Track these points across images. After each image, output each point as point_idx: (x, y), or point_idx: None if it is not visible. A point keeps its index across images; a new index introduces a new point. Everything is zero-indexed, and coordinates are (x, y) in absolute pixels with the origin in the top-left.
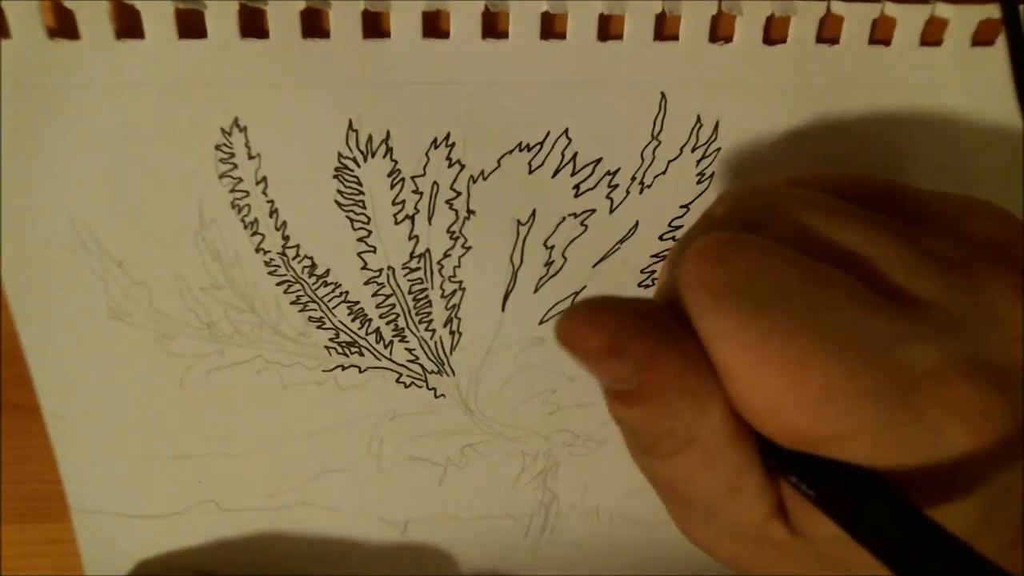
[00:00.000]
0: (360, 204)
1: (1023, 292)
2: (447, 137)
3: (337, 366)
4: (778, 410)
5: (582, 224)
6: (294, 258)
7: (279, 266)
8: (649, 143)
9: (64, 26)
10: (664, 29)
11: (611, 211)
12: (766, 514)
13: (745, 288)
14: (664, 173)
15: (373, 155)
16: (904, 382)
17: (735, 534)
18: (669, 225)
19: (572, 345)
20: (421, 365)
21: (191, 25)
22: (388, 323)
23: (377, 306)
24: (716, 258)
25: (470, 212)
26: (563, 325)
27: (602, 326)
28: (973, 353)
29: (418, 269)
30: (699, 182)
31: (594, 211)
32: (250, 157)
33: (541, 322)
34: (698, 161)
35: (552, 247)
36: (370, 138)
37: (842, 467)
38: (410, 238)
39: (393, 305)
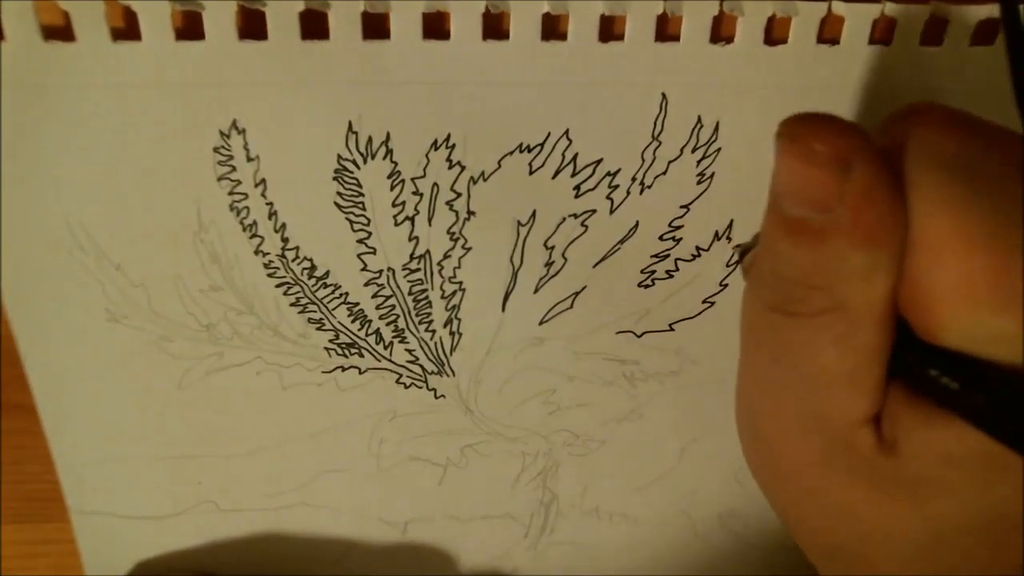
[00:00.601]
0: (360, 205)
1: None
2: (447, 138)
3: (337, 367)
4: (967, 297)
5: (582, 225)
6: (294, 260)
7: (278, 268)
8: (650, 144)
9: (60, 28)
10: (665, 30)
11: (611, 212)
12: (867, 416)
13: (976, 164)
14: (664, 174)
15: (373, 156)
16: None
17: (818, 426)
18: (669, 225)
19: (799, 144)
20: (421, 366)
21: (189, 26)
22: (388, 324)
23: (377, 307)
24: (955, 125)
25: (470, 213)
26: (795, 123)
27: (838, 135)
28: None
29: (418, 270)
30: (699, 183)
31: (594, 212)
32: (249, 159)
33: (541, 322)
34: (698, 162)
35: (552, 248)
36: (370, 139)
37: (989, 368)
38: (410, 239)
39: (393, 306)
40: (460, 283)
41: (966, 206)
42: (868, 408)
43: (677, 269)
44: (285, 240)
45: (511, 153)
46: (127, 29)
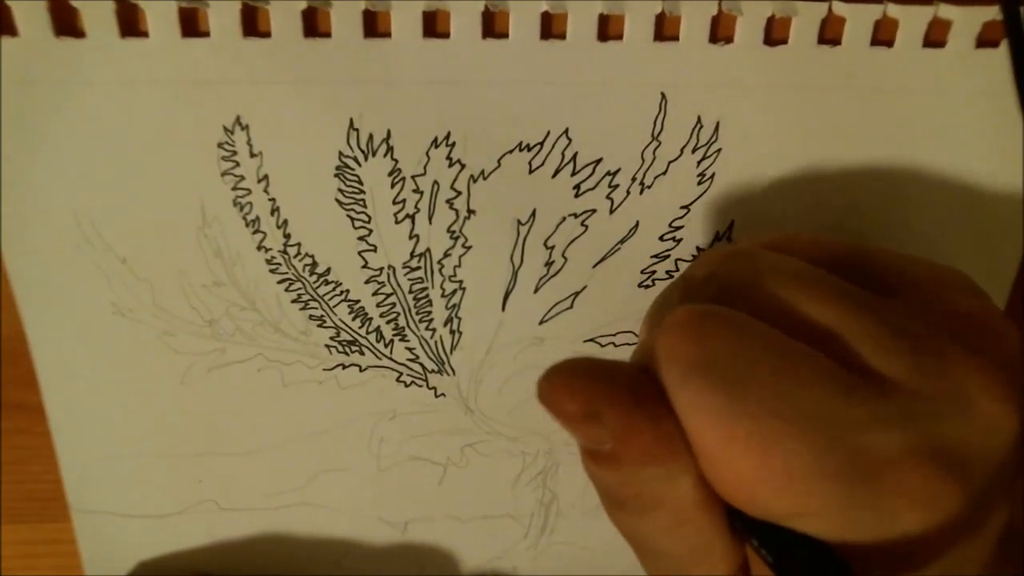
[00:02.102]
0: (361, 203)
1: (991, 371)
2: (447, 136)
3: (338, 365)
4: (744, 485)
5: (582, 224)
6: (295, 256)
7: (280, 264)
8: (649, 144)
9: (70, 24)
10: (664, 29)
11: (611, 211)
12: (729, 574)
13: (718, 365)
14: (664, 174)
15: (374, 154)
16: (865, 466)
17: None
18: (669, 226)
19: (550, 406)
20: (421, 364)
21: (194, 24)
22: (388, 322)
23: (377, 305)
24: (692, 332)
25: (470, 211)
26: (543, 386)
27: (579, 391)
28: (934, 438)
29: (418, 268)
30: (699, 183)
31: (594, 211)
32: (252, 155)
33: (541, 322)
34: (699, 162)
35: (552, 247)
36: (371, 137)
37: (802, 539)
38: (410, 237)
39: (393, 304)
40: (460, 282)
41: (717, 409)
42: (730, 568)
43: (677, 270)
44: (287, 236)
45: (511, 152)
46: (134, 26)
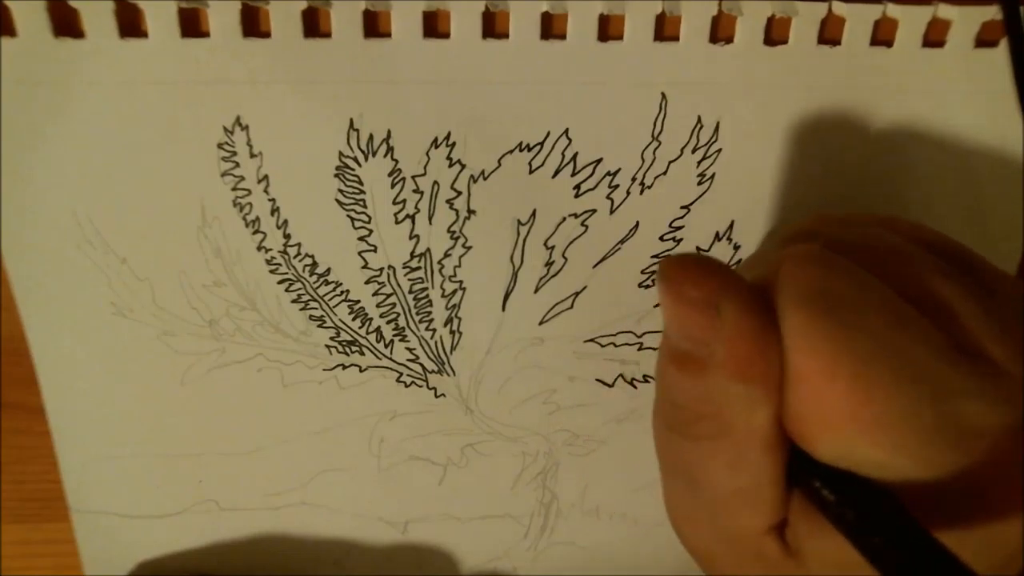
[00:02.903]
0: (361, 203)
1: None
2: (448, 136)
3: (338, 365)
4: (833, 423)
5: (582, 224)
6: (295, 256)
7: (280, 264)
8: (649, 144)
9: (69, 24)
10: (664, 30)
11: (611, 211)
12: (768, 527)
13: (838, 300)
14: (665, 174)
15: (374, 154)
16: (960, 431)
17: (727, 537)
18: (670, 226)
19: (674, 286)
20: (421, 364)
21: (194, 24)
22: (389, 322)
23: (378, 305)
24: (819, 264)
25: (471, 212)
26: (670, 266)
27: (708, 278)
28: None
29: (419, 268)
30: (700, 183)
31: (594, 211)
32: (252, 155)
33: (541, 322)
34: (699, 162)
35: (552, 247)
36: (371, 137)
37: (866, 485)
38: (411, 237)
39: (394, 304)
40: (460, 282)
41: (829, 341)
42: (768, 521)
43: None
44: (287, 236)
45: (511, 152)
46: (134, 27)
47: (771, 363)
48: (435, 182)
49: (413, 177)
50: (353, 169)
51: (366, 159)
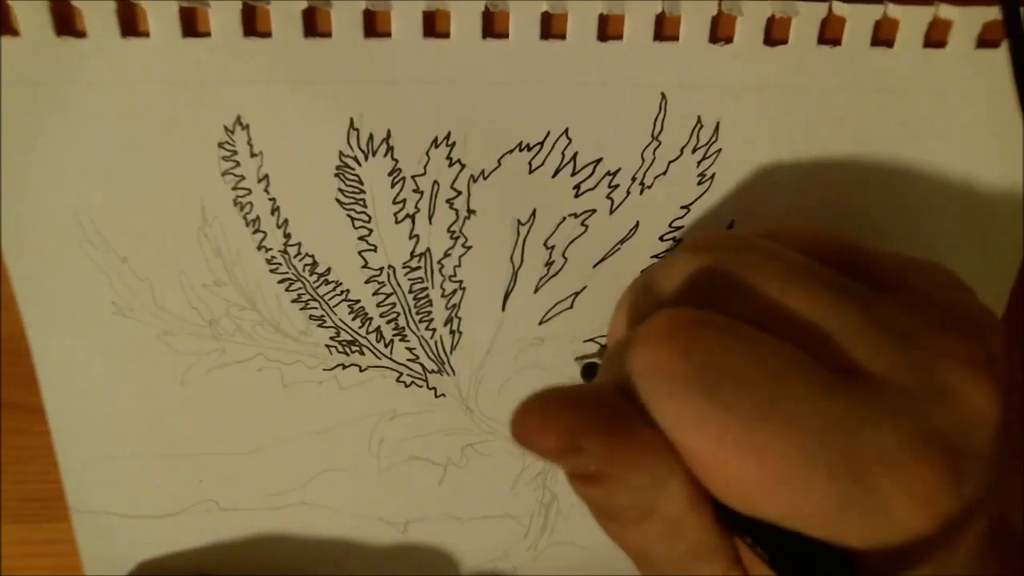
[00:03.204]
0: (361, 203)
1: (976, 365)
2: (447, 136)
3: (338, 365)
4: (737, 490)
5: (582, 224)
6: (295, 256)
7: (280, 264)
8: (649, 144)
9: (70, 24)
10: (664, 29)
11: (611, 211)
12: (726, 569)
13: (704, 377)
14: (665, 174)
15: (374, 154)
16: (858, 464)
17: None
18: (670, 226)
19: (528, 447)
20: (421, 364)
21: (194, 24)
22: (389, 322)
23: (378, 305)
24: (674, 345)
25: (470, 211)
26: (517, 425)
27: (555, 427)
28: (923, 432)
29: (418, 268)
30: (700, 183)
31: (594, 211)
32: (252, 155)
33: (541, 322)
34: (699, 162)
35: (552, 247)
36: (371, 137)
37: (794, 534)
38: (411, 237)
39: (394, 304)
40: (460, 282)
41: (705, 422)
42: (724, 567)
43: None
44: (287, 236)
45: (511, 152)
46: (135, 26)
47: (655, 447)
48: (435, 182)
49: (413, 177)
50: (353, 169)
51: (366, 159)
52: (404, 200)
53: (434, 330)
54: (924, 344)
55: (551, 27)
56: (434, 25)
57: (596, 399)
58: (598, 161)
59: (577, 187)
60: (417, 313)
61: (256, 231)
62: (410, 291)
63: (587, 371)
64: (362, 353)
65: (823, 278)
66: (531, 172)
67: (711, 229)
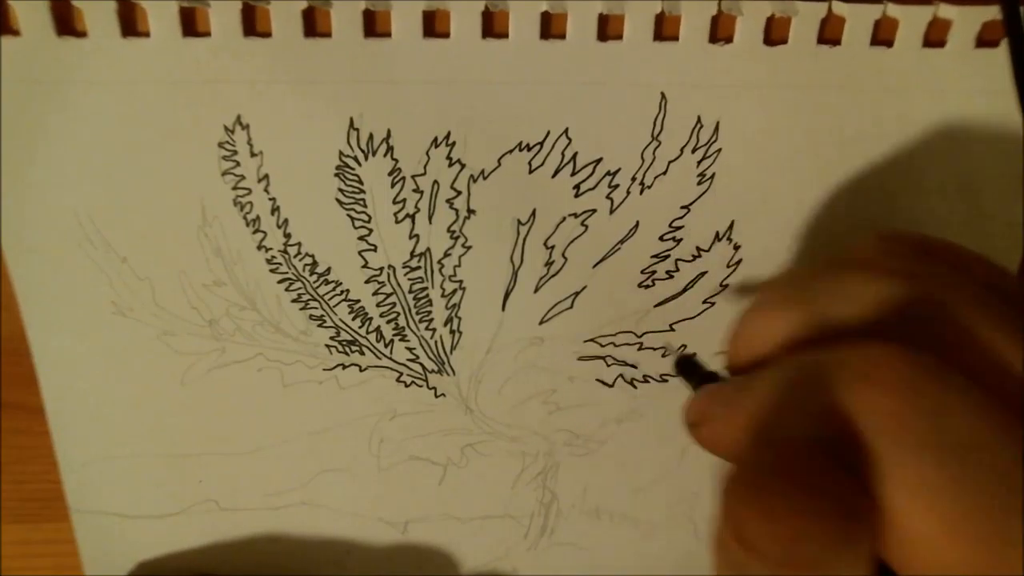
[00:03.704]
0: (361, 202)
1: None
2: (447, 136)
3: (338, 365)
4: (932, 565)
5: (582, 224)
6: (295, 256)
7: (280, 264)
8: (649, 143)
9: (71, 24)
10: (664, 29)
11: (611, 211)
12: None
13: (950, 444)
14: (665, 174)
15: (374, 154)
16: None
17: None
18: (670, 226)
19: (750, 550)
20: (421, 364)
21: (194, 24)
22: (389, 322)
23: (378, 305)
24: (907, 391)
25: (470, 211)
26: (734, 520)
27: (783, 535)
28: None
29: (418, 268)
30: (700, 183)
31: (594, 211)
32: (252, 155)
33: (541, 322)
34: (699, 162)
35: (552, 247)
36: (371, 137)
37: None
38: (410, 237)
39: (394, 304)
40: (460, 282)
41: (947, 499)
42: None
43: (677, 270)
44: (287, 236)
45: (511, 151)
46: (136, 26)
47: (866, 517)
48: (435, 181)
49: (413, 176)
50: (353, 168)
51: (366, 158)
52: (404, 200)
53: (434, 330)
54: None
55: (551, 27)
56: (434, 25)
57: (819, 488)
58: (598, 161)
59: (577, 187)
60: (417, 313)
61: (256, 231)
62: (410, 291)
63: (684, 368)
64: (362, 353)
65: (1004, 316)
66: (531, 172)
67: (871, 235)
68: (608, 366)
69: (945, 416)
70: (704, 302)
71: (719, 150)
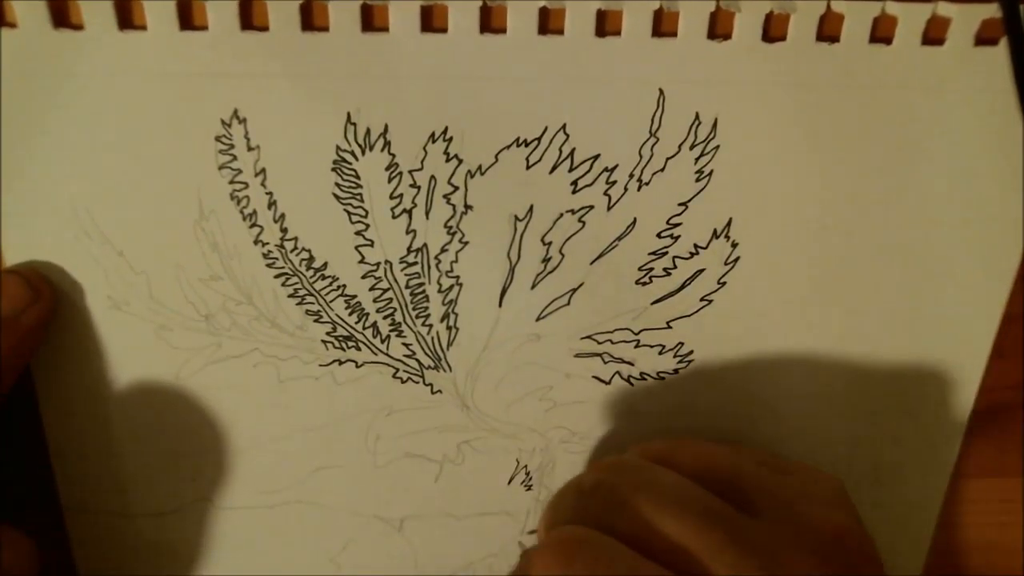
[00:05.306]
0: (358, 197)
1: None
2: (445, 131)
3: (334, 360)
4: None
5: (580, 220)
6: (292, 250)
7: (277, 258)
8: (647, 140)
9: (68, 16)
10: (662, 25)
11: (609, 208)
12: None
13: None
14: (662, 170)
15: (371, 148)
16: None
17: None
18: (667, 223)
19: None
20: (418, 360)
21: (192, 17)
22: (385, 317)
23: (374, 300)
24: (560, 556)
25: (467, 207)
26: None
27: None
28: None
29: (415, 264)
30: (697, 180)
31: (592, 208)
32: (249, 149)
33: (538, 319)
34: (696, 159)
35: (550, 243)
36: (368, 131)
37: None
38: (407, 232)
39: (390, 299)
40: (457, 277)
41: None
42: None
43: (675, 267)
44: (284, 230)
45: (508, 147)
46: (132, 19)
47: None
48: (432, 177)
49: (410, 171)
50: (350, 163)
51: (363, 153)
52: (401, 195)
53: (431, 326)
54: (783, 562)
55: (549, 22)
56: (432, 20)
57: None
58: (596, 157)
59: (574, 183)
60: (414, 309)
61: (253, 225)
62: (407, 287)
63: None
64: (358, 349)
65: (696, 503)
66: (528, 168)
67: (603, 459)
68: (605, 363)
69: (580, 569)
70: (701, 299)
71: (717, 147)
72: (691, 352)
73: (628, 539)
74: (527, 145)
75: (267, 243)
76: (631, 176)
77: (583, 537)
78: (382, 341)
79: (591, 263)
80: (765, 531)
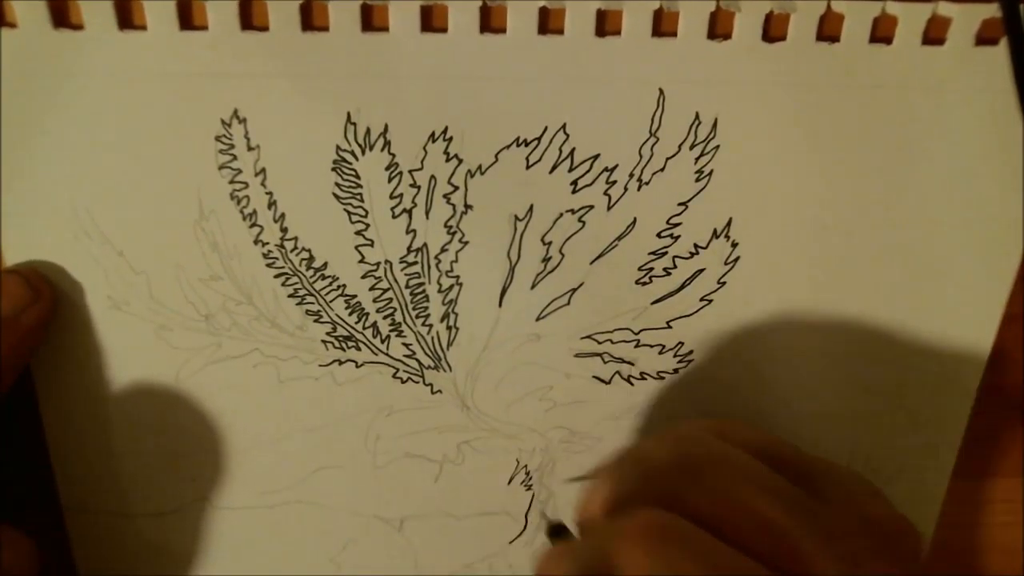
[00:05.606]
0: (358, 197)
1: None
2: (445, 131)
3: (334, 360)
4: None
5: (580, 220)
6: (292, 250)
7: (277, 258)
8: (647, 140)
9: (68, 16)
10: (662, 25)
11: (609, 208)
12: None
13: None
14: (662, 170)
15: (371, 148)
16: None
17: None
18: (667, 223)
19: None
20: (418, 360)
21: (192, 17)
22: (385, 317)
23: (374, 300)
24: (653, 546)
25: (467, 207)
26: None
27: None
28: None
29: (415, 263)
30: (697, 180)
31: (592, 207)
32: (249, 148)
33: (538, 318)
34: (696, 159)
35: (550, 243)
36: (368, 131)
37: None
38: (407, 232)
39: (390, 299)
40: (457, 277)
41: None
42: None
43: (675, 267)
44: (284, 230)
45: (508, 147)
46: (132, 19)
47: None
48: (432, 176)
49: (410, 171)
50: (350, 163)
51: (363, 153)
52: (401, 195)
53: (430, 326)
54: (855, 555)
55: (549, 22)
56: (432, 19)
57: None
58: (595, 157)
59: (574, 183)
60: (414, 309)
61: (253, 225)
62: (407, 286)
63: (554, 532)
64: (358, 349)
65: (772, 482)
66: (528, 168)
67: (663, 431)
68: (605, 363)
69: (677, 567)
70: (701, 299)
71: (717, 147)
72: (691, 352)
73: (707, 516)
74: (527, 145)
75: (267, 243)
76: (631, 176)
77: (673, 528)
78: (382, 341)
79: (591, 263)
80: (837, 517)
